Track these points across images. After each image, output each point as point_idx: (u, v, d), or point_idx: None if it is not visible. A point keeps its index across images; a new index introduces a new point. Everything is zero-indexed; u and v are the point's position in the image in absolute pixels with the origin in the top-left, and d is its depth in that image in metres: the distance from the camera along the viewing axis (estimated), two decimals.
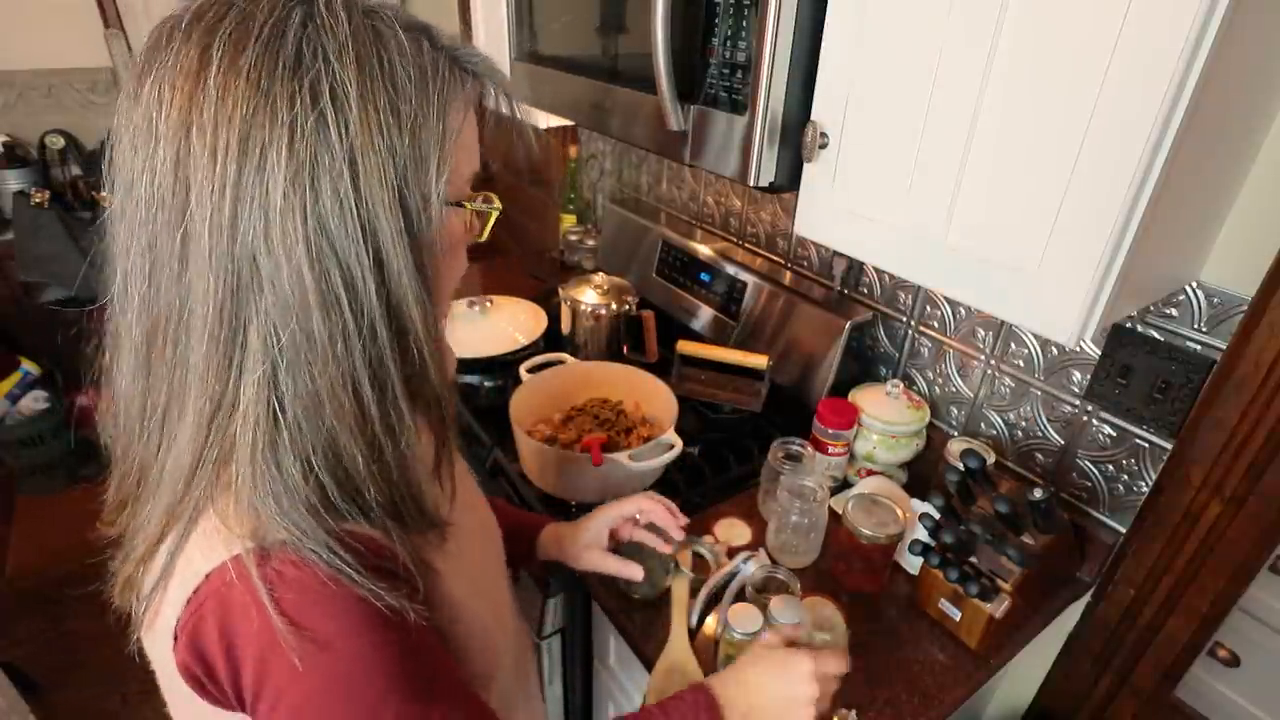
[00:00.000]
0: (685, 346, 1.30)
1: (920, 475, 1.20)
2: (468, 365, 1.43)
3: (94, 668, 1.90)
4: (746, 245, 1.57)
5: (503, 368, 1.41)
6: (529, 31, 1.26)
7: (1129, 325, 0.94)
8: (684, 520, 0.88)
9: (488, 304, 1.65)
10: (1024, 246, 0.68)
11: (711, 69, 0.86)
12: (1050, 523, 0.87)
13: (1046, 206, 0.65)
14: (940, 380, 1.21)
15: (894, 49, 0.74)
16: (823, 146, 0.83)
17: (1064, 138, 0.62)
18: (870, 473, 1.16)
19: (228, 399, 0.44)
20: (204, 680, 0.46)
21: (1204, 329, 0.87)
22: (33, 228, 2.28)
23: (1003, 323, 1.10)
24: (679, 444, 1.06)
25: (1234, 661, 0.97)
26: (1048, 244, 0.66)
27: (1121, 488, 1.00)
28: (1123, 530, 1.00)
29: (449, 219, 0.49)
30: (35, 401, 2.39)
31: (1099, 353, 0.98)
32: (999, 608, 0.87)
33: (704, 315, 1.53)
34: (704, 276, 1.53)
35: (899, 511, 0.97)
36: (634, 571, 0.86)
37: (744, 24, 0.80)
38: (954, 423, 1.21)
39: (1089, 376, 0.99)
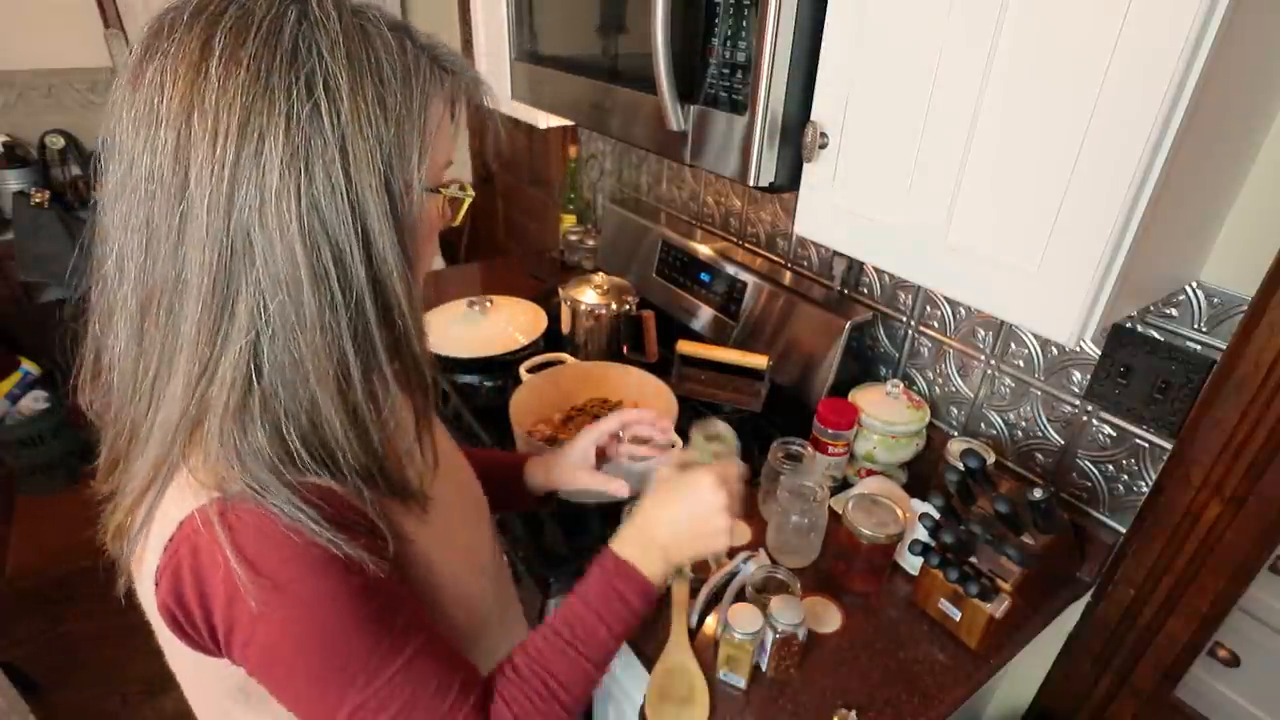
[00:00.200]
0: (685, 346, 1.30)
1: (920, 475, 1.20)
2: (468, 365, 1.43)
3: (94, 668, 1.90)
4: (746, 245, 1.57)
5: (503, 368, 1.41)
6: (529, 31, 1.26)
7: (1129, 325, 0.94)
8: (667, 423, 0.88)
9: (488, 304, 1.65)
10: (1024, 246, 0.68)
11: (711, 69, 0.86)
12: (1050, 523, 0.87)
13: (1046, 206, 0.65)
14: (940, 380, 1.21)
15: (894, 49, 0.74)
16: (823, 146, 0.83)
17: (1064, 137, 0.62)
18: (870, 473, 1.16)
19: (213, 363, 0.47)
20: (182, 623, 0.50)
21: (1204, 329, 0.87)
22: (33, 228, 2.28)
23: (1003, 323, 1.10)
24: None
25: (1234, 661, 0.97)
26: (1048, 244, 0.66)
27: (1121, 488, 1.00)
28: (1123, 530, 1.00)
29: (427, 204, 0.53)
30: (35, 401, 2.39)
31: (1099, 353, 0.98)
32: (999, 608, 0.87)
33: (704, 315, 1.53)
34: (704, 276, 1.53)
35: (899, 511, 0.97)
36: (619, 487, 0.85)
37: (744, 24, 0.80)
38: (954, 423, 1.21)
39: (1089, 376, 0.99)
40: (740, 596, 0.95)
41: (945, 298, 1.17)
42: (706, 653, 0.90)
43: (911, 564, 1.01)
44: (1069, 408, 1.03)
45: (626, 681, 1.08)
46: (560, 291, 1.49)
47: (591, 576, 0.65)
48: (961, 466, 0.89)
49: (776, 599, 0.86)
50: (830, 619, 0.95)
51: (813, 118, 0.84)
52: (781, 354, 1.33)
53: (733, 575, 0.99)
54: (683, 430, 0.88)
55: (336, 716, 0.51)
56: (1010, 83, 0.65)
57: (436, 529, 0.60)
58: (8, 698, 1.53)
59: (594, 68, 1.09)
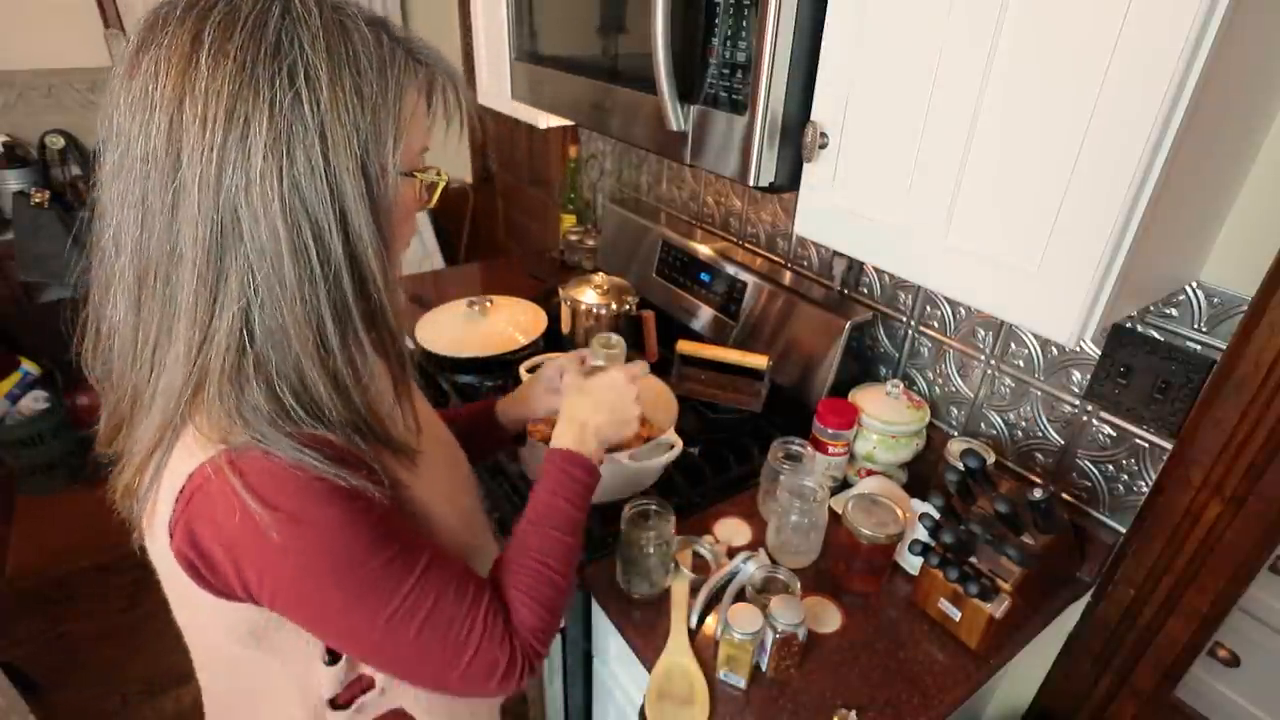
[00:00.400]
0: (685, 346, 1.30)
1: (920, 475, 1.20)
2: (468, 365, 1.43)
3: (94, 668, 1.90)
4: (746, 245, 1.57)
5: (503, 368, 1.41)
6: (529, 31, 1.26)
7: (1129, 325, 0.94)
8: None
9: (488, 304, 1.65)
10: (1024, 246, 0.68)
11: (711, 69, 0.86)
12: (1050, 523, 0.87)
13: (1046, 206, 0.65)
14: (940, 380, 1.21)
15: (894, 49, 0.74)
16: (823, 146, 0.84)
17: (1064, 137, 0.62)
18: (870, 473, 1.16)
19: (211, 330, 0.51)
20: (200, 567, 0.53)
21: (1204, 329, 0.87)
22: (33, 228, 2.28)
23: (1003, 323, 1.10)
24: (679, 444, 1.06)
25: (1234, 661, 0.97)
26: (1048, 244, 0.66)
27: (1121, 488, 1.00)
28: (1123, 530, 1.00)
29: (402, 187, 0.56)
30: (35, 401, 2.39)
31: (1099, 353, 0.98)
32: (999, 608, 0.87)
33: (704, 315, 1.53)
34: (704, 276, 1.53)
35: (899, 511, 0.97)
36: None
37: (744, 24, 0.80)
38: (954, 423, 1.21)
39: (1089, 376, 0.99)
40: (740, 596, 0.95)
41: (945, 298, 1.17)
42: (706, 653, 0.90)
43: (911, 564, 1.01)
44: (1069, 408, 1.03)
45: (626, 681, 1.08)
46: (560, 291, 1.49)
47: (545, 473, 0.74)
48: (961, 466, 0.89)
49: (776, 599, 0.86)
50: (830, 619, 0.95)
51: (813, 118, 0.84)
52: (781, 354, 1.33)
53: (733, 575, 0.99)
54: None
55: (374, 627, 0.56)
56: (1010, 83, 0.65)
57: (425, 479, 0.65)
58: (8, 698, 1.53)
59: (594, 68, 1.09)
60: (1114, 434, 0.99)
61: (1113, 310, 0.67)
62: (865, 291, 1.31)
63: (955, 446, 1.09)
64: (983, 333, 1.12)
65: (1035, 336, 1.06)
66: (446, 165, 2.72)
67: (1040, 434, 1.08)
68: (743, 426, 1.30)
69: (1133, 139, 0.58)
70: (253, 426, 0.52)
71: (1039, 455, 1.09)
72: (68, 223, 2.31)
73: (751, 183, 0.86)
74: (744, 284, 1.43)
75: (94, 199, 0.53)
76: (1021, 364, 1.08)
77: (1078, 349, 1.01)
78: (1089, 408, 1.01)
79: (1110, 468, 1.00)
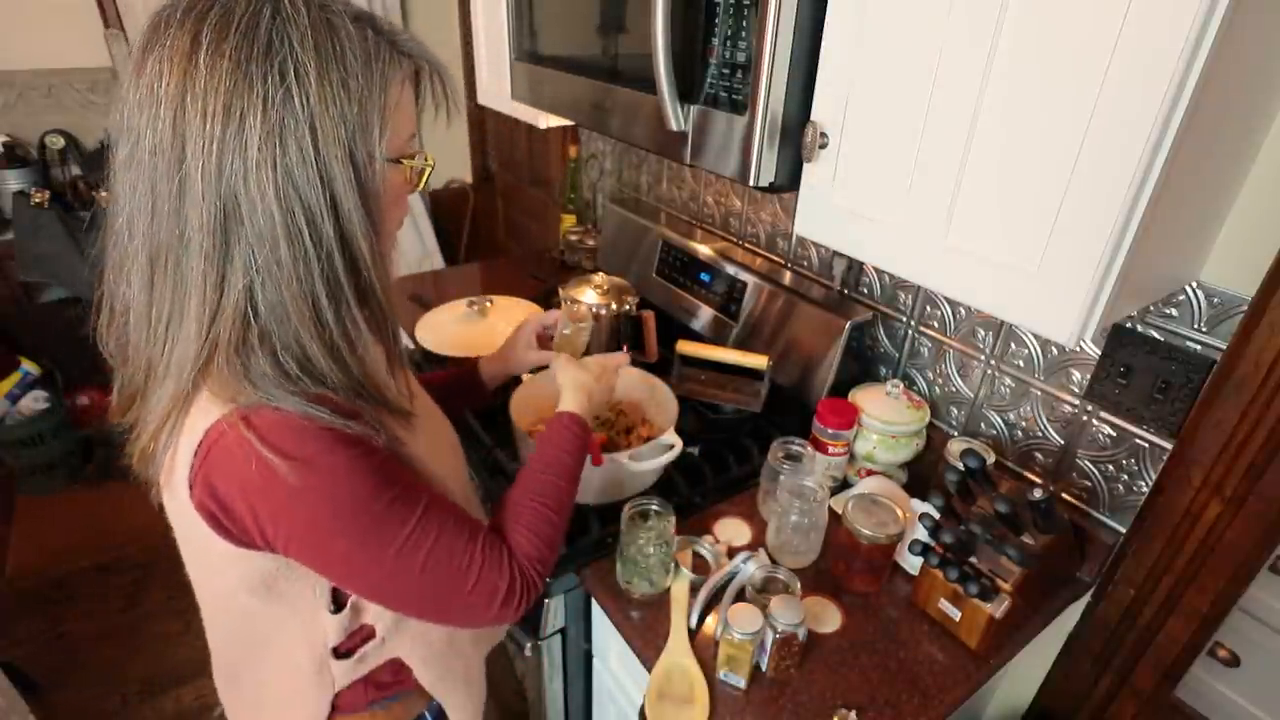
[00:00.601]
0: (685, 346, 1.30)
1: (920, 475, 1.20)
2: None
3: (94, 668, 1.90)
4: (746, 245, 1.57)
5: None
6: (529, 31, 1.26)
7: (1129, 325, 0.94)
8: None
9: (488, 304, 1.65)
10: (1024, 246, 0.68)
11: (711, 69, 0.86)
12: (1050, 523, 0.87)
13: (1046, 206, 0.65)
14: (940, 380, 1.21)
15: (894, 49, 0.74)
16: (823, 146, 0.84)
17: (1064, 137, 0.62)
18: (870, 473, 1.16)
19: (220, 306, 0.55)
20: (220, 517, 0.58)
21: (1204, 329, 0.87)
22: (33, 228, 2.28)
23: (1003, 323, 1.10)
24: (679, 444, 1.06)
25: (1234, 661, 0.97)
26: (1048, 244, 0.66)
27: (1121, 488, 1.00)
28: (1123, 530, 1.00)
29: (390, 172, 0.60)
30: (35, 401, 2.39)
31: (1099, 353, 0.98)
32: (999, 608, 0.87)
33: (704, 315, 1.53)
34: (704, 276, 1.53)
35: (899, 511, 0.97)
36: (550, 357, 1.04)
37: (744, 24, 0.80)
38: (954, 423, 1.21)
39: (1089, 376, 0.99)
40: (740, 596, 0.95)
41: (945, 298, 1.17)
42: (706, 653, 0.90)
43: (911, 564, 1.01)
44: (1069, 408, 1.03)
45: (626, 681, 1.08)
46: (560, 291, 1.49)
47: (552, 430, 0.82)
48: (961, 466, 0.89)
49: (776, 599, 0.86)
50: (830, 619, 0.95)
51: (813, 118, 0.84)
52: (781, 354, 1.33)
53: (733, 575, 0.99)
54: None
55: (383, 562, 0.61)
56: (1010, 83, 0.65)
57: (420, 441, 0.70)
58: (8, 698, 1.53)
59: (594, 67, 1.09)
60: (1114, 434, 0.99)
61: (1113, 310, 0.67)
62: (865, 291, 1.31)
63: (955, 446, 1.09)
64: (983, 333, 1.12)
65: (1035, 336, 1.06)
66: (447, 166, 2.73)
67: (1040, 434, 1.08)
68: (743, 426, 1.29)
69: (1133, 139, 0.58)
70: (261, 389, 0.56)
71: (1039, 455, 1.09)
72: (68, 223, 2.31)
73: (751, 183, 0.86)
74: (744, 284, 1.43)
75: (108, 186, 0.57)
76: (1021, 364, 1.08)
77: (1078, 349, 1.01)
78: (1089, 408, 1.01)
79: (1110, 468, 1.00)
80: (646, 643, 0.91)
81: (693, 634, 0.92)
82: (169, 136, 0.52)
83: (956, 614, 0.91)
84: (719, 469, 1.19)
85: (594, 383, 0.89)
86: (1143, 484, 0.97)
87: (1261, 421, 0.82)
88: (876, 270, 1.28)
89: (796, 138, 0.85)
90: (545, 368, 1.09)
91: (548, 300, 1.62)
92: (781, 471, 1.05)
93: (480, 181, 3.10)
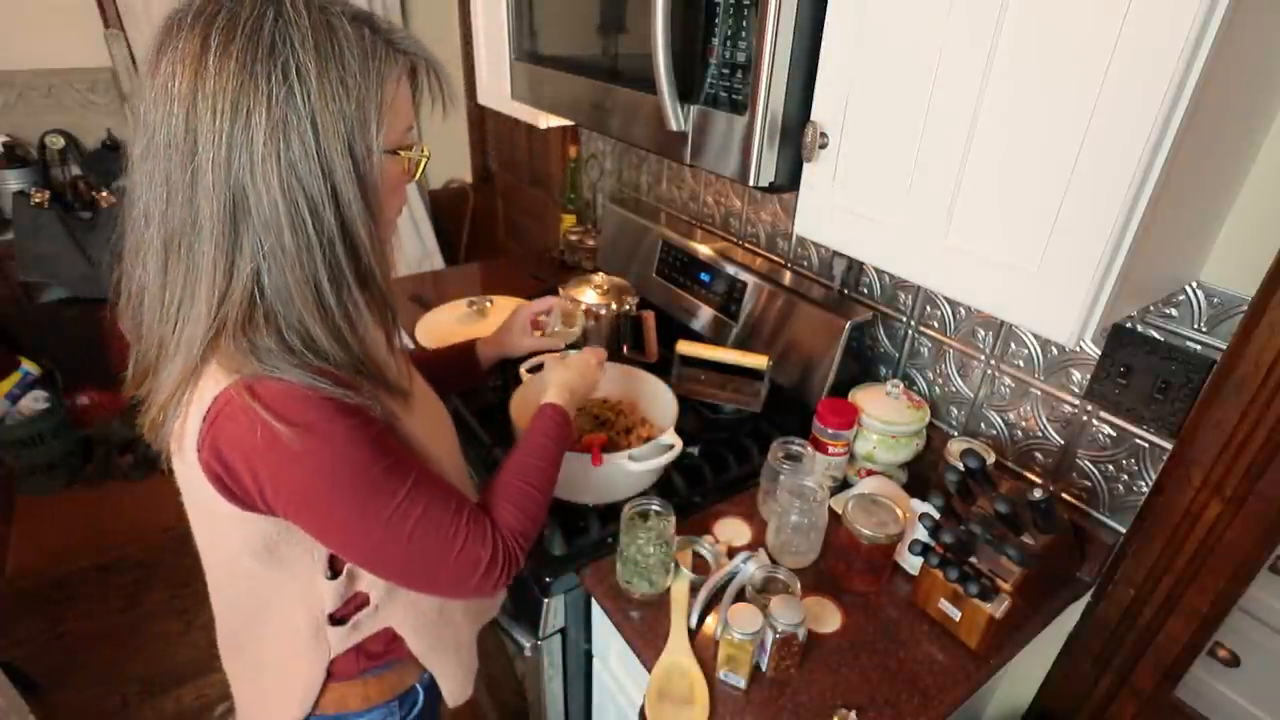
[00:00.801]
0: (685, 346, 1.30)
1: (920, 475, 1.20)
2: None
3: (94, 668, 1.90)
4: (746, 245, 1.57)
5: (503, 368, 1.41)
6: (529, 31, 1.26)
7: (1129, 325, 0.94)
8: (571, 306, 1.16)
9: (488, 304, 1.65)
10: (1024, 247, 0.68)
11: (711, 69, 0.86)
12: (1050, 523, 0.87)
13: (1046, 206, 0.65)
14: (940, 380, 1.21)
15: (894, 49, 0.74)
16: (823, 146, 0.84)
17: (1064, 137, 0.62)
18: (870, 473, 1.16)
19: (229, 289, 0.59)
20: (224, 478, 0.61)
21: (1204, 329, 0.87)
22: (33, 228, 2.27)
23: (1003, 323, 1.10)
24: (679, 444, 1.06)
25: (1234, 661, 0.97)
26: (1048, 244, 0.66)
27: (1121, 488, 1.00)
28: (1123, 530, 1.00)
29: (388, 164, 0.64)
30: (35, 401, 2.38)
31: (1099, 353, 0.98)
32: (999, 608, 0.87)
33: (704, 315, 1.53)
34: (704, 276, 1.53)
35: (899, 511, 0.97)
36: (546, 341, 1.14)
37: (744, 24, 0.80)
38: (954, 423, 1.21)
39: (1089, 376, 0.99)
40: (740, 596, 0.95)
41: (945, 298, 1.17)
42: (706, 653, 0.90)
43: (911, 564, 1.01)
44: (1069, 408, 1.03)
45: (626, 681, 1.08)
46: (560, 291, 1.49)
47: (538, 420, 0.86)
48: (961, 466, 0.89)
49: (776, 599, 0.86)
50: (830, 619, 0.95)
51: (813, 118, 0.84)
52: (781, 354, 1.33)
53: (733, 575, 0.99)
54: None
55: (374, 528, 0.64)
56: (1010, 83, 0.65)
57: (416, 420, 0.74)
58: (8, 698, 1.53)
59: (594, 68, 1.09)
60: (1114, 434, 0.99)
61: (1113, 310, 0.67)
62: (865, 291, 1.31)
63: (955, 446, 1.09)
64: (983, 333, 1.12)
65: (1035, 336, 1.06)
66: (447, 165, 2.73)
67: (1040, 434, 1.08)
68: (743, 426, 1.30)
69: (1133, 139, 0.58)
70: (266, 363, 0.60)
71: (1039, 455, 1.09)
72: (68, 223, 2.31)
73: (751, 183, 0.86)
74: (744, 284, 1.43)
75: (126, 177, 0.62)
76: (1021, 364, 1.08)
77: (1078, 349, 1.01)
78: (1089, 408, 1.01)
79: (1110, 468, 1.00)
80: (646, 643, 0.91)
81: (693, 634, 0.92)
82: (182, 132, 0.56)
83: (956, 614, 0.91)
84: (719, 469, 1.19)
85: (577, 379, 0.95)
86: (1143, 484, 0.97)
87: (1261, 421, 0.82)
88: (876, 270, 1.28)
89: (796, 138, 0.85)
90: (542, 367, 1.09)
91: None
92: (781, 471, 1.05)
93: (480, 181, 3.10)
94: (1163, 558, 0.95)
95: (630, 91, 1.00)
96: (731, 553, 1.04)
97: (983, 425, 1.17)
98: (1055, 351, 1.04)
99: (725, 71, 0.84)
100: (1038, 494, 0.85)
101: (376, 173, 0.62)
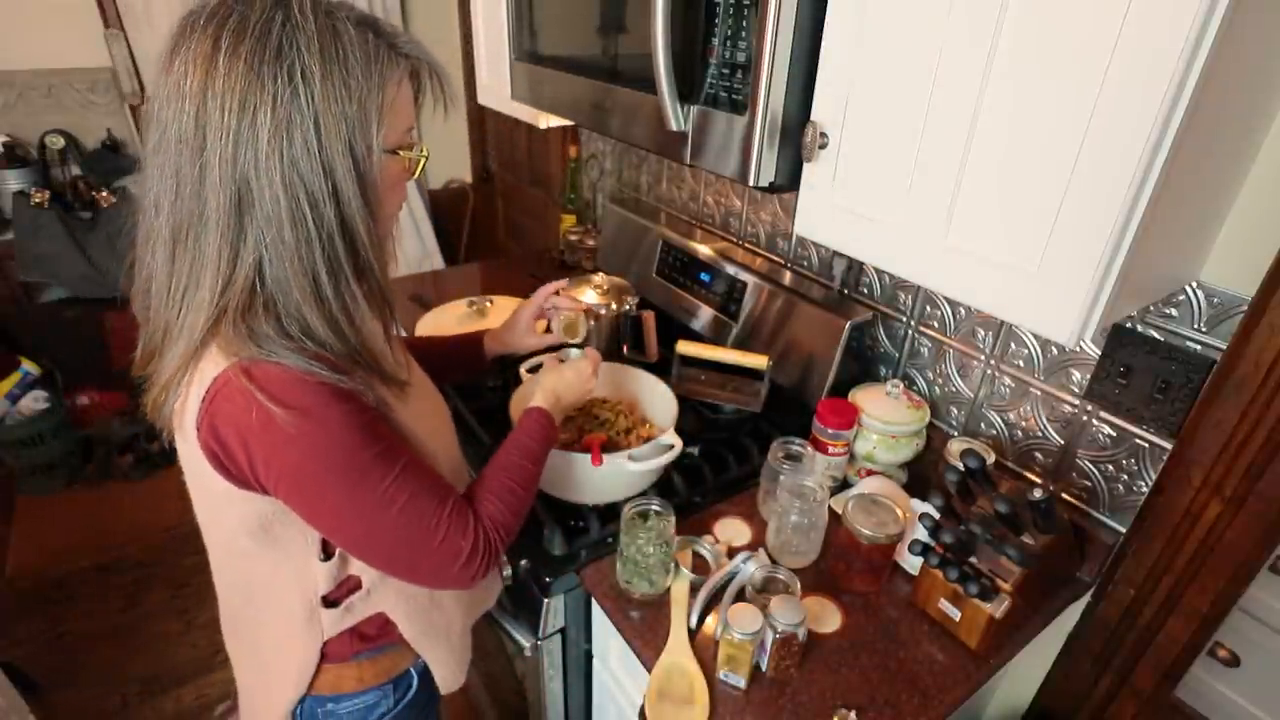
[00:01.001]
0: (685, 347, 1.30)
1: (920, 475, 1.20)
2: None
3: (94, 668, 1.90)
4: (746, 245, 1.57)
5: (503, 368, 1.41)
6: (529, 31, 1.26)
7: (1129, 325, 0.94)
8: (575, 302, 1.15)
9: (488, 304, 1.65)
10: (1024, 246, 0.68)
11: (711, 69, 0.86)
12: (1050, 523, 0.87)
13: (1046, 206, 0.65)
14: (940, 380, 1.21)
15: (894, 49, 0.74)
16: (823, 146, 0.84)
17: (1064, 137, 0.62)
18: (870, 473, 1.16)
19: (231, 278, 0.62)
20: (220, 456, 0.64)
21: (1204, 329, 0.87)
22: (33, 228, 2.27)
23: (1003, 323, 1.10)
24: (679, 444, 1.06)
25: (1234, 661, 0.97)
26: (1048, 244, 0.66)
27: (1121, 488, 1.00)
28: (1123, 530, 1.00)
29: (388, 162, 0.67)
30: (35, 401, 2.38)
31: (1099, 353, 0.98)
32: (999, 608, 0.87)
33: (704, 315, 1.53)
34: (704, 276, 1.53)
35: (899, 511, 0.97)
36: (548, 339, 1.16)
37: (744, 24, 0.80)
38: (954, 423, 1.21)
39: (1089, 376, 0.99)
40: (740, 596, 0.95)
41: (945, 298, 1.17)
42: (706, 653, 0.90)
43: (911, 564, 1.01)
44: (1069, 408, 1.03)
45: (626, 681, 1.08)
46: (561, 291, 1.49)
47: (523, 421, 0.88)
48: (961, 466, 0.89)
49: (776, 599, 0.86)
50: (830, 619, 0.95)
51: (813, 118, 0.84)
52: (781, 354, 1.33)
53: (733, 575, 0.99)
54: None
55: (360, 512, 0.66)
56: (1010, 82, 0.65)
57: (412, 409, 0.76)
58: (8, 698, 1.53)
59: (594, 68, 1.09)
60: (1114, 434, 0.99)
61: (1113, 310, 0.67)
62: (865, 291, 1.31)
63: (955, 446, 1.09)
64: (983, 333, 1.12)
65: (1035, 336, 1.06)
66: (447, 165, 2.72)
67: (1040, 434, 1.08)
68: (743, 426, 1.30)
69: (1133, 139, 0.58)
70: (265, 348, 0.62)
71: (1039, 455, 1.09)
72: (68, 223, 2.31)
73: (751, 183, 0.86)
74: (744, 284, 1.43)
75: (141, 168, 0.65)
76: (1021, 364, 1.08)
77: (1078, 349, 1.01)
78: (1089, 408, 1.01)
79: (1110, 468, 1.00)
80: (646, 643, 0.91)
81: (693, 634, 0.92)
82: (192, 128, 0.59)
83: (956, 614, 0.91)
84: (719, 469, 1.19)
85: (567, 386, 0.96)
86: (1143, 484, 0.97)
87: (1261, 421, 0.82)
88: (876, 270, 1.28)
89: (796, 138, 0.85)
90: (542, 366, 1.11)
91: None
92: (781, 471, 1.05)
93: (480, 181, 3.10)
94: (1163, 558, 0.95)
95: (630, 91, 1.00)
96: (731, 553, 1.04)
97: (983, 425, 1.17)
98: (1055, 351, 1.04)
99: (725, 71, 0.84)
100: (1038, 494, 0.85)
101: (376, 171, 0.65)
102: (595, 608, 1.06)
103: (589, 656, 1.17)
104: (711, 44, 0.85)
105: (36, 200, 2.26)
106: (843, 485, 1.19)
